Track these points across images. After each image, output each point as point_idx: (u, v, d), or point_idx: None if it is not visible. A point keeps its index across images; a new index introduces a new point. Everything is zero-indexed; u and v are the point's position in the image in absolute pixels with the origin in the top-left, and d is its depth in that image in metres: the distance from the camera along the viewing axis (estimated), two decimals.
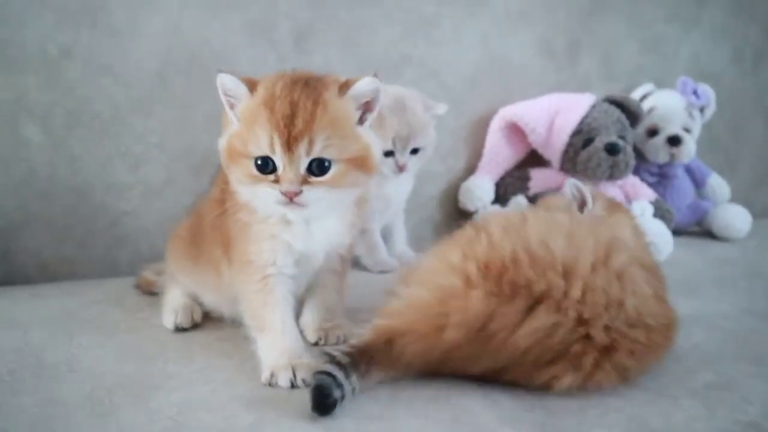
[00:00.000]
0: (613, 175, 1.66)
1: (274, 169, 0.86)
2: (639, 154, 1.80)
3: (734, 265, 1.56)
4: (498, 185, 1.78)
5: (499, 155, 1.77)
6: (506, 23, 1.81)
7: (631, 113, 1.74)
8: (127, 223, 1.50)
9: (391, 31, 1.67)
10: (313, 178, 0.86)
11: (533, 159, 1.81)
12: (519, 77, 1.84)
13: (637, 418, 0.78)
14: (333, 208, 0.94)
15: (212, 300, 1.10)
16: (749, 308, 1.20)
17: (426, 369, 0.84)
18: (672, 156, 1.84)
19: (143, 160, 1.50)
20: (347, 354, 0.80)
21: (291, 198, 0.86)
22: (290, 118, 0.84)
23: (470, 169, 1.80)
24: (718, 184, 1.97)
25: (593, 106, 1.72)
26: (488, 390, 0.83)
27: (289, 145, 0.84)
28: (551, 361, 0.80)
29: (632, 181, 1.75)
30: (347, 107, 0.88)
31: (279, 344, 0.91)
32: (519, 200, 1.69)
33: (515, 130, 1.76)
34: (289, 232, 0.94)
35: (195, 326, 1.09)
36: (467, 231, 0.90)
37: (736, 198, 1.96)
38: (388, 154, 1.41)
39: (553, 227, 0.86)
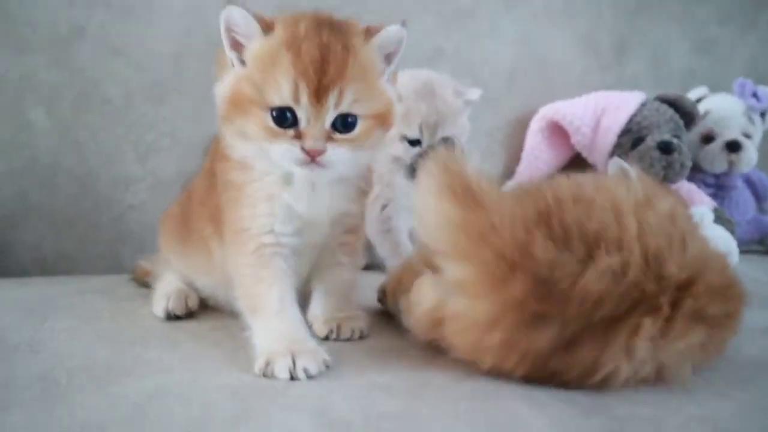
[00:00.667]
0: (667, 176, 1.48)
1: (294, 123, 0.75)
2: (693, 164, 1.61)
3: None
4: None
5: (539, 158, 1.65)
6: (547, 18, 1.72)
7: (685, 113, 1.57)
8: (133, 218, 1.40)
9: (424, 21, 1.59)
10: (338, 135, 0.76)
11: (576, 166, 1.65)
12: (560, 75, 1.73)
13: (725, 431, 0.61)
14: (352, 171, 0.82)
15: (205, 284, 0.97)
16: None
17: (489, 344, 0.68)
18: (730, 164, 1.67)
19: (153, 151, 1.40)
20: None
21: (314, 157, 0.74)
22: (320, 64, 0.73)
23: (508, 174, 1.68)
24: None
25: (643, 105, 1.57)
26: (531, 390, 0.68)
27: (318, 95, 0.73)
28: (630, 309, 0.65)
29: (688, 187, 1.58)
30: (373, 57, 0.80)
31: (276, 326, 0.76)
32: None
33: (557, 131, 1.64)
34: (290, 192, 0.81)
35: (190, 315, 0.96)
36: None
37: None
38: (415, 143, 1.28)
39: (579, 182, 0.75)
